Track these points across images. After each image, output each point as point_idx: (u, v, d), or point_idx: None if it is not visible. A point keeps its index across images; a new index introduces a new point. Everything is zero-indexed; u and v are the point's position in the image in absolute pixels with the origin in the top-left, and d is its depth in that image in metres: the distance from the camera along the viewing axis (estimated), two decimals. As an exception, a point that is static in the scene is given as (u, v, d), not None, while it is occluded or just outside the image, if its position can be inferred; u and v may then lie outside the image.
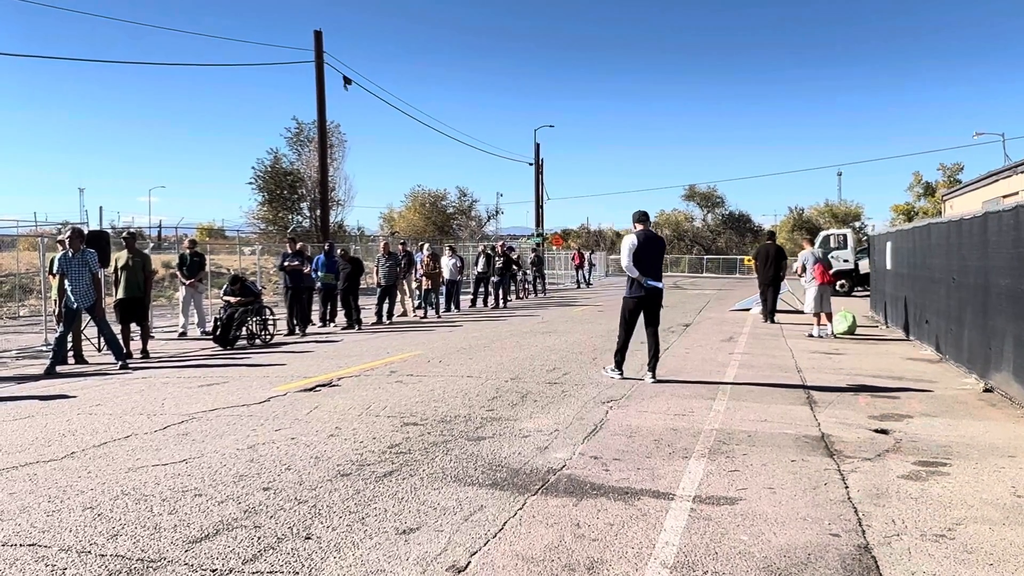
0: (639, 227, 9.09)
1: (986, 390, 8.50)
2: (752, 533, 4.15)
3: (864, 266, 26.41)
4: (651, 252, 9.00)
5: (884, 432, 6.52)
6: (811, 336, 14.08)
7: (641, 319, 9.14)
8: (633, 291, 9.04)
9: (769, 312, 17.06)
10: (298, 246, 15.69)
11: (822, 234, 31.70)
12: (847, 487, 4.99)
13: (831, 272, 14.92)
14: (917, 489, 4.95)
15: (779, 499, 4.73)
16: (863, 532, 4.17)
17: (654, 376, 8.97)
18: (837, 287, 23.41)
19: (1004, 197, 19.60)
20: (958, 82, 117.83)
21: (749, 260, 57.34)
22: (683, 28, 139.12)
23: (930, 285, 11.84)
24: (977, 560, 3.80)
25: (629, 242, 8.99)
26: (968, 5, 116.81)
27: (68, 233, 10.38)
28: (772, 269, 17.01)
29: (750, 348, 12.41)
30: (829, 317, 14.31)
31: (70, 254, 10.25)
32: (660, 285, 9.04)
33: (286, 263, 15.30)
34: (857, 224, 59.60)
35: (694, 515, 4.43)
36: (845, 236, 31.09)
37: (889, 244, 16.28)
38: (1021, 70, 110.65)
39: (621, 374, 9.17)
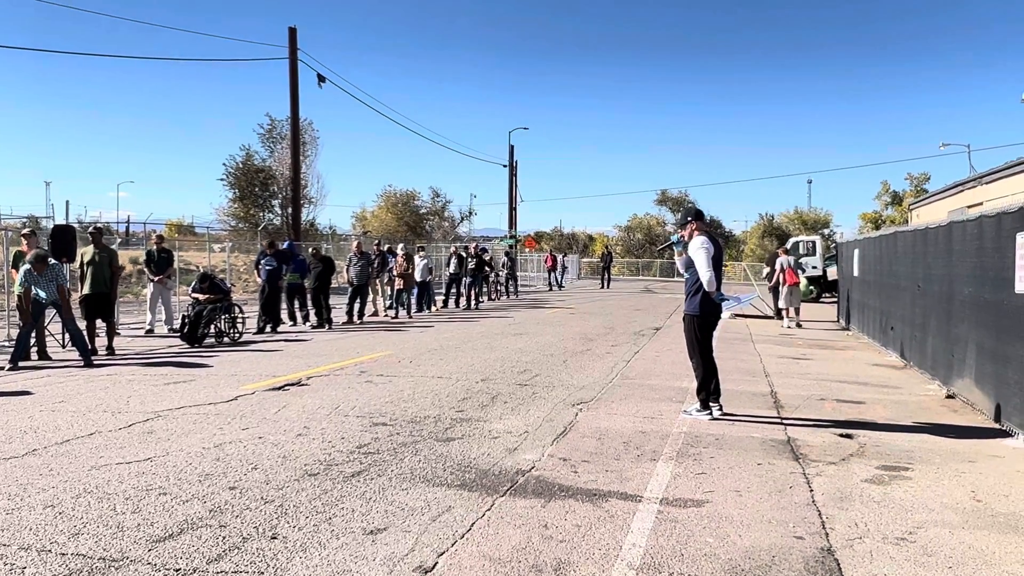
0: (695, 225, 7.44)
1: (948, 396, 8.66)
2: (718, 535, 4.19)
3: (832, 273, 26.79)
4: (719, 259, 7.35)
5: (849, 436, 6.62)
6: (786, 328, 16.87)
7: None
8: (705, 307, 7.38)
9: (776, 311, 19.37)
10: (278, 247, 16.15)
11: (791, 240, 32.09)
12: (812, 490, 5.05)
13: (801, 275, 18.64)
14: (880, 493, 5.03)
15: (745, 502, 4.78)
16: (827, 535, 4.23)
17: (720, 407, 7.49)
18: (804, 288, 25.19)
19: (969, 207, 19.94)
20: (926, 92, 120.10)
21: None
22: (656, 33, 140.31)
23: (896, 292, 12.03)
24: (937, 563, 3.87)
25: (704, 247, 7.20)
26: (938, 15, 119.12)
27: (32, 257, 10.19)
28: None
29: (719, 352, 12.37)
30: (797, 311, 17.60)
31: (35, 273, 10.12)
32: (726, 297, 7.34)
33: (263, 263, 15.60)
34: (826, 231, 60.26)
35: (661, 517, 4.46)
36: (814, 243, 31.50)
37: (857, 251, 16.52)
38: (988, 81, 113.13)
39: (711, 413, 7.35)
